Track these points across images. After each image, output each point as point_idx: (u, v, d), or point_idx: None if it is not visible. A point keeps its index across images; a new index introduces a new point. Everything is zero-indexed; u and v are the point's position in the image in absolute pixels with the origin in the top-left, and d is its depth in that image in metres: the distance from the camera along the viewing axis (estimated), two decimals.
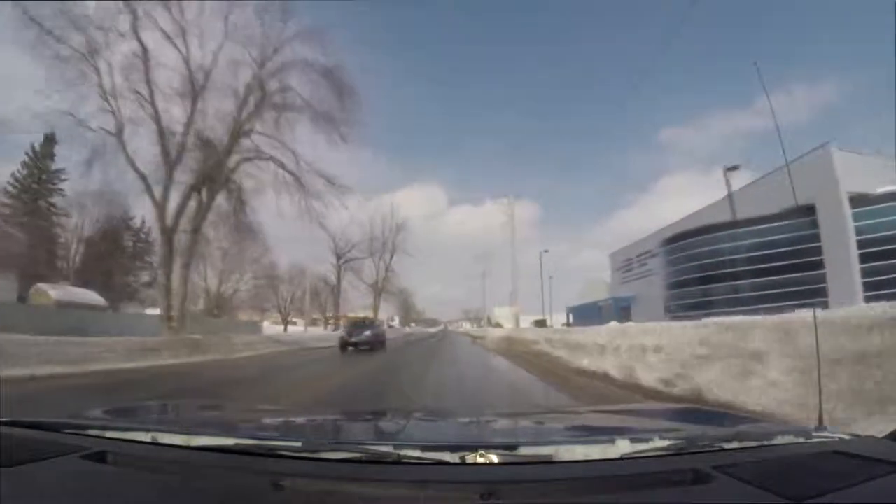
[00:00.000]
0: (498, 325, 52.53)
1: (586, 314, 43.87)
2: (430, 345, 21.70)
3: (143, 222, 34.11)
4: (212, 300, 35.70)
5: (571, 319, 49.37)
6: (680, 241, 34.16)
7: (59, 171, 31.44)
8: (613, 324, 11.04)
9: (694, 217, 36.09)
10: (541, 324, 35.34)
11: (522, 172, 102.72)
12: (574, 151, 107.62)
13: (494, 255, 48.19)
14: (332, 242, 40.31)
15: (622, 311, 39.07)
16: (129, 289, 35.92)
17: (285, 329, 42.57)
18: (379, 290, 44.10)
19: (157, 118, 14.79)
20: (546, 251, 46.52)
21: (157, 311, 27.19)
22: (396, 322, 71.64)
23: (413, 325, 76.09)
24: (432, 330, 69.06)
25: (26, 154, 31.20)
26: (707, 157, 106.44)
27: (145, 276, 36.60)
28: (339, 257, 43.02)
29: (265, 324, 44.99)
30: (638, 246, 45.76)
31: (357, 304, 46.18)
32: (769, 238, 27.82)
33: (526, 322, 51.71)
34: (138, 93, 14.65)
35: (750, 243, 28.68)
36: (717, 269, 30.29)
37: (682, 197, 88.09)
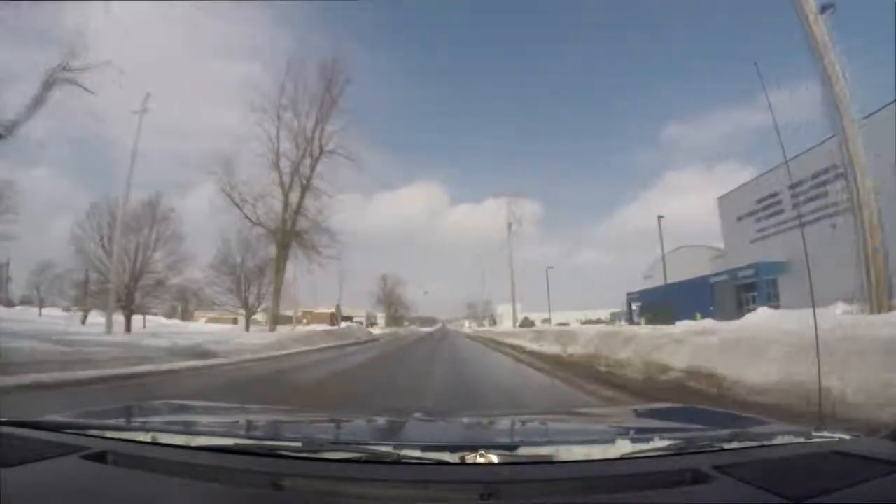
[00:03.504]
0: (528, 323, 39.75)
1: (667, 301, 25.56)
2: None
3: None
4: None
5: (634, 313, 31.90)
6: None
7: None
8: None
9: None
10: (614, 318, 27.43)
11: (523, 171, 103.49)
12: (575, 150, 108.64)
13: (499, 253, 43.03)
14: None
15: (766, 286, 23.73)
16: None
17: (108, 328, 14.01)
18: (286, 233, 19.74)
19: None
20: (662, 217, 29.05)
21: None
22: (380, 322, 57.02)
23: (407, 323, 64.70)
24: (427, 330, 54.65)
25: None
26: (708, 154, 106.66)
27: None
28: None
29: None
30: (801, 166, 17.75)
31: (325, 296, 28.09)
32: None
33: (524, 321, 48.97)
34: None
35: None
36: None
37: (684, 194, 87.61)
